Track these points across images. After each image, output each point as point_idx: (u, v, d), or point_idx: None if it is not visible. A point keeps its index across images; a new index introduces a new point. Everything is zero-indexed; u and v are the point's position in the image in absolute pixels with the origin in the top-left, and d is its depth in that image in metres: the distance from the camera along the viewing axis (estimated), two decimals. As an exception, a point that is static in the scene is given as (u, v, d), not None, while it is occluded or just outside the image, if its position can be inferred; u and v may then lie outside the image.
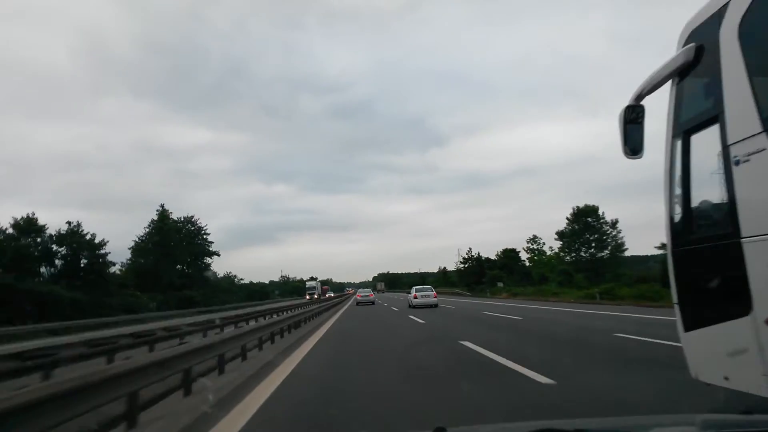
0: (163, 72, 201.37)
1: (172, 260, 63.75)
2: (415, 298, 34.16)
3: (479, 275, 78.14)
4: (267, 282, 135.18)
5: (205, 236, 72.03)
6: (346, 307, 41.21)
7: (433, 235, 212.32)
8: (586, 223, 63.00)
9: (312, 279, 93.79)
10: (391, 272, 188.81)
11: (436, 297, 34.57)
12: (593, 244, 63.00)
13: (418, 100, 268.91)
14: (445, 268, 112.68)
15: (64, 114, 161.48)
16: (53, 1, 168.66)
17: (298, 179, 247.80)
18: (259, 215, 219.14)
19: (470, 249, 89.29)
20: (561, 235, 65.92)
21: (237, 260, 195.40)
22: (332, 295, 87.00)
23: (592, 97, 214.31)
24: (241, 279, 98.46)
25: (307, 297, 77.20)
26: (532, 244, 74.38)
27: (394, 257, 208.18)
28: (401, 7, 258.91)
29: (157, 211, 66.00)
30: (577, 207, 64.41)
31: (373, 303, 44.40)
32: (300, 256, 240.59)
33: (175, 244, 65.72)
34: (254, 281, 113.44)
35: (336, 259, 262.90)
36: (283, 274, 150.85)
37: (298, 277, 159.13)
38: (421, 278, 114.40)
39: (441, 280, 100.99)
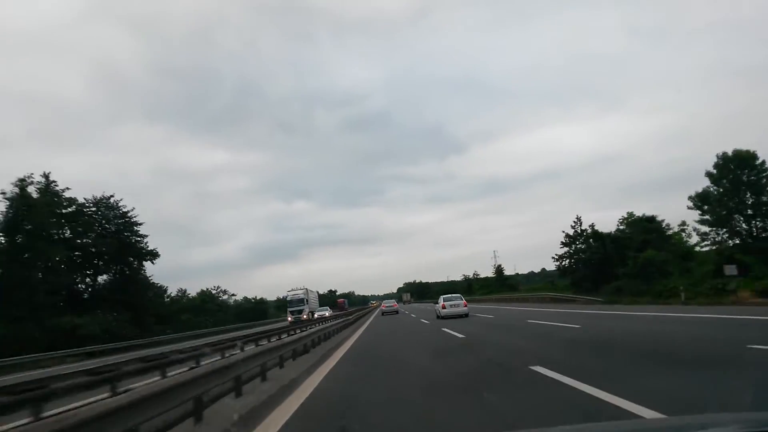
0: (177, 96, 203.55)
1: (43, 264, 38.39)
2: (444, 308, 31.29)
3: (603, 265, 46.41)
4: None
5: (134, 226, 47.64)
6: (369, 320, 38.62)
7: (456, 243, 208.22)
8: (737, 180, 36.71)
9: (298, 290, 59.42)
10: (418, 281, 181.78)
11: (466, 306, 31.65)
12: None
13: (433, 108, 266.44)
14: (476, 273, 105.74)
15: (81, 144, 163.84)
16: (66, 33, 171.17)
17: (318, 195, 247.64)
18: (280, 233, 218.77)
19: (578, 218, 52.32)
20: (703, 198, 38.63)
21: (260, 279, 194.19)
22: (330, 312, 54.55)
23: (612, 95, 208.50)
24: (233, 295, 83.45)
25: (290, 318, 52.15)
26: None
27: (418, 268, 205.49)
28: (412, 14, 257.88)
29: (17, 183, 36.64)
30: (724, 153, 37.30)
31: (396, 312, 50.59)
32: (323, 272, 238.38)
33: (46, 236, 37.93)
34: (270, 298, 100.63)
35: (359, 272, 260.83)
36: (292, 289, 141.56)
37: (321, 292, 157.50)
38: (458, 286, 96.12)
39: (494, 283, 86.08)
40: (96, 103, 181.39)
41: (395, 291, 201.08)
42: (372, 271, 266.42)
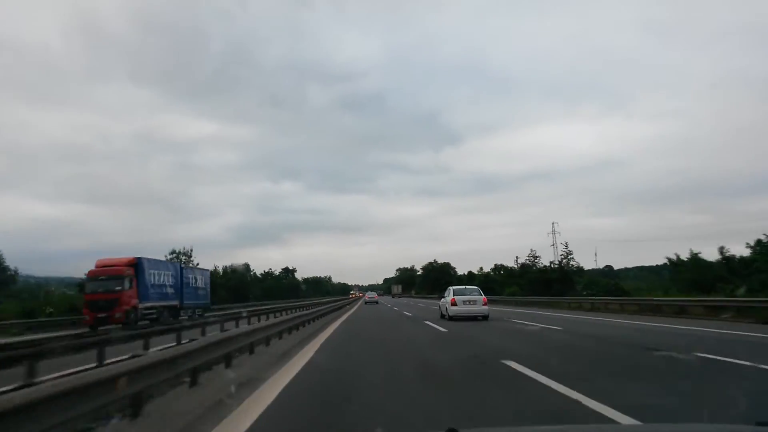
0: (163, 56, 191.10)
1: None
2: (454, 304, 22.38)
3: None
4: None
5: None
6: (343, 318, 29.67)
7: (446, 239, 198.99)
8: None
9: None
10: (411, 267, 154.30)
11: (486, 304, 22.74)
12: None
13: (432, 93, 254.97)
14: (481, 268, 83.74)
15: (62, 101, 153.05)
16: None
17: (307, 176, 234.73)
18: (265, 214, 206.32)
19: None
20: None
21: (242, 259, 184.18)
22: None
23: (619, 94, 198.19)
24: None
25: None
26: None
27: (405, 261, 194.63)
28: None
29: None
30: None
31: (376, 303, 58.35)
32: (308, 257, 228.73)
33: None
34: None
35: (346, 261, 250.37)
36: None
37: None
38: (477, 280, 67.35)
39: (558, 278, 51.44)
40: (75, 56, 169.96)
41: (381, 282, 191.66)
42: (359, 260, 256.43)
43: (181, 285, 33.14)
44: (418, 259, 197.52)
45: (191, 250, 74.26)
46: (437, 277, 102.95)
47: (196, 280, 36.40)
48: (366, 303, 57.34)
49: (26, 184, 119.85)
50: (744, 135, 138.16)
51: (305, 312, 23.79)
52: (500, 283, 66.87)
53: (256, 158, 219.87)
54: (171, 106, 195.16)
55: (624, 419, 4.70)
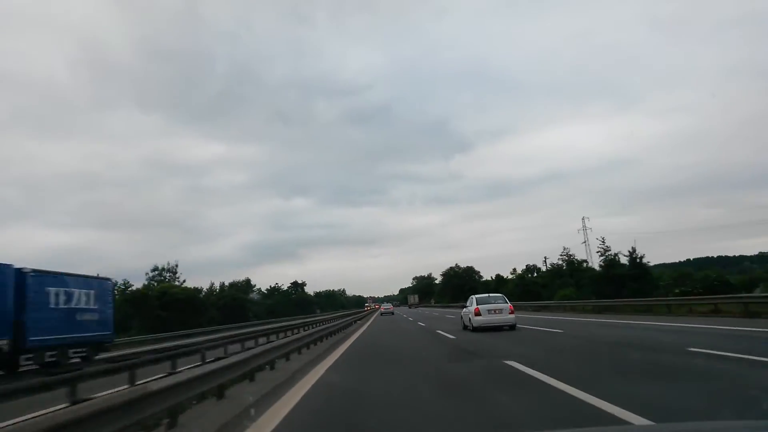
0: (169, 81, 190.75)
1: None
2: (478, 314, 20.20)
3: None
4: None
5: None
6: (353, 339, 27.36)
7: (461, 246, 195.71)
8: None
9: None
10: (428, 274, 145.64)
11: (513, 312, 20.52)
12: None
13: (439, 101, 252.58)
14: (514, 269, 74.13)
15: (71, 132, 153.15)
16: (44, 8, 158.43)
17: (318, 192, 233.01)
18: (278, 231, 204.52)
19: None
20: None
21: (257, 277, 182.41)
22: None
23: (627, 93, 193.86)
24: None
25: None
26: None
27: (420, 270, 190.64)
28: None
29: None
30: None
31: (392, 314, 59.54)
32: (323, 272, 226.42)
33: None
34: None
35: (360, 273, 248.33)
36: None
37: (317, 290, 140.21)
38: (506, 287, 59.51)
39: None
40: (82, 87, 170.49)
41: (397, 293, 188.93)
42: (374, 272, 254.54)
43: (19, 305, 17.86)
44: (432, 267, 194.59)
45: (176, 266, 69.20)
46: (459, 284, 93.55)
47: (71, 297, 20.62)
48: (382, 314, 60.08)
49: (41, 214, 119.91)
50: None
51: (302, 335, 17.20)
52: (543, 285, 56.02)
53: (267, 176, 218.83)
54: (179, 130, 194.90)
55: None
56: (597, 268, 46.95)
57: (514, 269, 70.06)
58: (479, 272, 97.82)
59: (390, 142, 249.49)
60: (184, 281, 67.88)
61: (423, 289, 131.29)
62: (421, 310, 78.91)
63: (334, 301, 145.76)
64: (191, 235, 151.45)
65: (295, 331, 24.04)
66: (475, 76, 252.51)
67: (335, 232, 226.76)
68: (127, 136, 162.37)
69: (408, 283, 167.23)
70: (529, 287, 56.42)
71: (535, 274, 65.82)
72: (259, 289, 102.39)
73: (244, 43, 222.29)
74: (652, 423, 4.45)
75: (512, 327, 20.11)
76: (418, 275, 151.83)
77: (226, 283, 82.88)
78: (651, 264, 41.08)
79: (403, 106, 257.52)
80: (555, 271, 59.19)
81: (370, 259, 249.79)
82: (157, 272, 66.89)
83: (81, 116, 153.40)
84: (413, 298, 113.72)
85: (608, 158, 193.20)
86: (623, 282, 37.18)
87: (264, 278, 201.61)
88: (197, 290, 67.38)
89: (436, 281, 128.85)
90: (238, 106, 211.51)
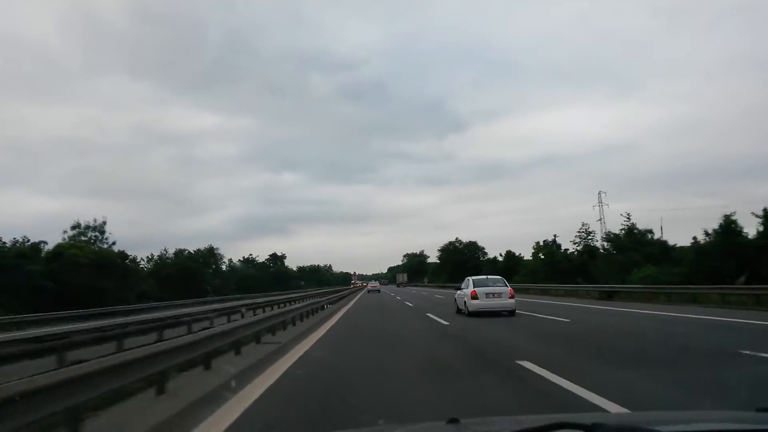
0: (161, 47, 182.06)
1: None
2: (475, 297, 17.82)
3: None
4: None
5: None
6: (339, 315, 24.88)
7: (451, 227, 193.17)
8: None
9: None
10: (421, 252, 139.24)
11: (513, 297, 18.13)
12: None
13: (435, 79, 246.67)
14: (509, 251, 67.78)
15: (61, 96, 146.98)
16: None
17: (309, 167, 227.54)
18: (268, 205, 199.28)
19: None
20: None
21: (246, 251, 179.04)
22: None
23: (626, 79, 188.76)
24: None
25: None
26: None
27: (410, 250, 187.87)
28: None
29: None
30: None
31: (378, 291, 61.15)
32: (313, 247, 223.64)
33: None
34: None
35: (350, 250, 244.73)
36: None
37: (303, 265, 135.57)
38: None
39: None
40: (73, 50, 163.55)
41: (386, 271, 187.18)
42: (363, 250, 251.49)
43: None
44: (424, 247, 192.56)
45: (104, 224, 55.90)
46: (461, 261, 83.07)
47: None
48: (369, 292, 60.01)
49: (29, 179, 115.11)
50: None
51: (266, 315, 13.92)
52: (581, 264, 46.00)
53: (257, 149, 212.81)
54: (171, 98, 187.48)
55: None
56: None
57: (538, 243, 56.68)
58: (484, 248, 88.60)
59: (384, 120, 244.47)
60: (114, 243, 55.93)
61: (414, 267, 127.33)
62: (409, 289, 77.19)
63: (319, 277, 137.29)
64: (180, 206, 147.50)
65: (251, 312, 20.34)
66: (473, 55, 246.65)
67: (326, 209, 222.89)
68: (118, 103, 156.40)
69: (397, 262, 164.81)
70: (559, 265, 47.05)
71: (569, 250, 52.78)
72: (230, 261, 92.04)
73: (239, 9, 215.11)
74: (628, 411, 4.45)
75: (511, 312, 17.78)
76: (409, 252, 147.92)
77: (170, 252, 69.22)
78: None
79: (399, 83, 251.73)
80: (587, 248, 49.27)
81: (360, 237, 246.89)
82: (77, 231, 54.91)
83: (71, 81, 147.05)
84: (402, 277, 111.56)
85: (604, 143, 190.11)
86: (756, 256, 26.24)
87: (252, 251, 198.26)
88: (122, 255, 53.50)
89: (429, 259, 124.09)
90: (231, 77, 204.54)
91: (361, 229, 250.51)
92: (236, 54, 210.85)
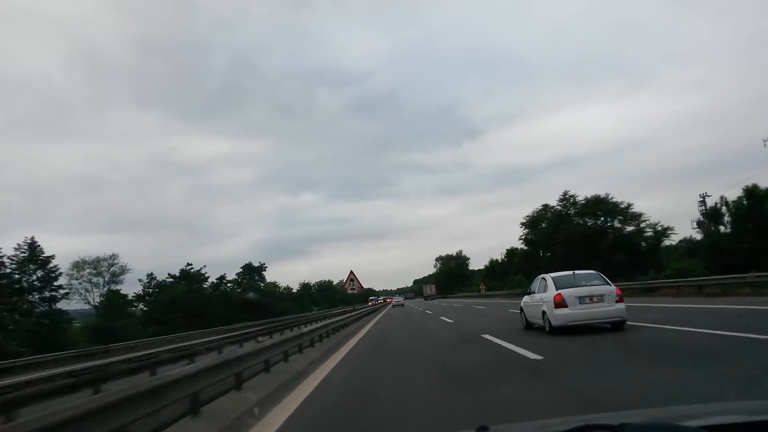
0: (167, 76, 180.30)
1: None
2: (561, 306, 11.33)
3: None
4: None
5: None
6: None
7: (471, 237, 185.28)
8: None
9: None
10: (457, 253, 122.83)
11: (622, 301, 11.47)
12: None
13: (445, 87, 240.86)
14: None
15: (70, 133, 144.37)
16: (35, 6, 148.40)
17: (325, 186, 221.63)
18: (286, 228, 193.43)
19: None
20: None
21: (267, 275, 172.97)
22: None
23: (640, 71, 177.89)
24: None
25: None
26: None
27: (433, 262, 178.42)
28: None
29: None
30: None
31: (402, 305, 59.61)
32: (334, 267, 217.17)
33: None
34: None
35: (371, 267, 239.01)
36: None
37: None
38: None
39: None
40: (79, 87, 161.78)
41: (411, 284, 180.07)
42: (385, 266, 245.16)
43: None
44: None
45: (113, 256, 58.16)
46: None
47: None
48: (393, 307, 59.72)
49: (47, 219, 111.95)
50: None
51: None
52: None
53: (272, 172, 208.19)
54: (179, 127, 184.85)
55: None
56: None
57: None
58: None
59: (396, 132, 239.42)
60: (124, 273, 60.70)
61: (452, 273, 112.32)
62: (438, 302, 66.52)
63: (330, 296, 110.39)
64: (200, 235, 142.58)
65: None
66: (482, 59, 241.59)
67: (345, 227, 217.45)
68: (128, 137, 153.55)
69: (422, 274, 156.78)
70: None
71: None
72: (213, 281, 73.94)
73: (242, 31, 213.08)
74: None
75: (618, 324, 11.29)
76: (443, 254, 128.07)
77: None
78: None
79: (408, 94, 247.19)
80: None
81: (381, 253, 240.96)
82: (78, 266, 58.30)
83: (80, 118, 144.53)
84: (429, 289, 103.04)
85: (621, 140, 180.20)
86: None
87: (273, 276, 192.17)
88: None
89: (469, 261, 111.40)
90: (239, 101, 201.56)
91: (382, 244, 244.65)
92: (242, 77, 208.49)
